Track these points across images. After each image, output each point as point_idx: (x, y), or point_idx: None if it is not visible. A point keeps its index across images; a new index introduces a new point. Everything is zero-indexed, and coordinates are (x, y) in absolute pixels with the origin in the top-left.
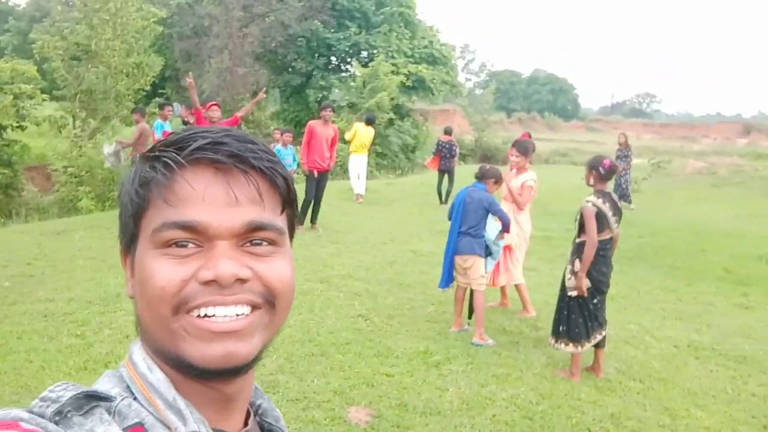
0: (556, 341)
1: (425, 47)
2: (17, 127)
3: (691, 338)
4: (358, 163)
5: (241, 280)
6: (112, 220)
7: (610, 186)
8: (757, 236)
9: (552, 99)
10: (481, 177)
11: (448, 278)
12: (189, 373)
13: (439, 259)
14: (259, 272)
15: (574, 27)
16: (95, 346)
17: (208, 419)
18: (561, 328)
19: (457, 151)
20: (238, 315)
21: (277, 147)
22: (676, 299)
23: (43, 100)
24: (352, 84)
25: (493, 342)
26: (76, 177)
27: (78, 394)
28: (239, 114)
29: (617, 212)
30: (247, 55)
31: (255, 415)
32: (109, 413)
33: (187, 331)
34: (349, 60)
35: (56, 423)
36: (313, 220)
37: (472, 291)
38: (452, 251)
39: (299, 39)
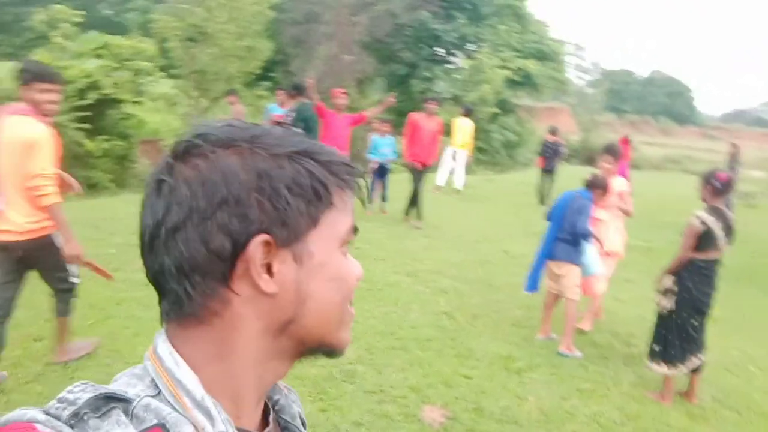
0: (650, 361)
1: (535, 42)
2: (135, 102)
3: None
4: (455, 156)
5: None
6: None
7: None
8: None
9: (669, 102)
10: (590, 185)
11: (533, 282)
12: (317, 356)
13: (531, 261)
14: None
15: (698, 30)
16: None
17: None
18: (656, 347)
19: (564, 151)
20: None
21: (374, 136)
22: None
23: (161, 77)
24: (457, 76)
25: (580, 354)
26: None
27: (96, 395)
28: (367, 114)
29: (730, 231)
30: (355, 43)
31: (273, 411)
32: (127, 415)
33: (349, 318)
34: (454, 52)
35: (72, 426)
36: (408, 213)
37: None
38: (545, 255)
39: (406, 29)
